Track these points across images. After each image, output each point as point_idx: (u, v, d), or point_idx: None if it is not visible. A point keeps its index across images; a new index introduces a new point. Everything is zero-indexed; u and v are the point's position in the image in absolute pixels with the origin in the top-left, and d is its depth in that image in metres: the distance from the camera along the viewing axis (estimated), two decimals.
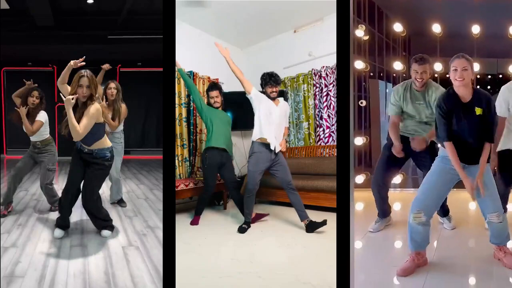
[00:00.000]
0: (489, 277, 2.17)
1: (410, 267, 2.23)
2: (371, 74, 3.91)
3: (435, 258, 2.45)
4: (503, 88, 2.62)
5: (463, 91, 2.11)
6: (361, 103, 4.04)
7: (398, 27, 3.62)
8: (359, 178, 4.13)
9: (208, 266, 2.70)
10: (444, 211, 2.95)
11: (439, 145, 2.24)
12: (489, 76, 3.58)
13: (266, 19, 5.53)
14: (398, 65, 3.92)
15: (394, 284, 2.23)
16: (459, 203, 2.97)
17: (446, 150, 2.13)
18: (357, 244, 2.82)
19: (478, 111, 2.08)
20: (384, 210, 3.09)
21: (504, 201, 2.44)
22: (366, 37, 3.89)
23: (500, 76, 2.98)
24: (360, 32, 3.69)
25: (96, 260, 2.61)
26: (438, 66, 3.41)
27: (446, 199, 2.63)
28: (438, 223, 3.04)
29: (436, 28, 3.43)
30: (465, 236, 2.90)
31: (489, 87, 2.34)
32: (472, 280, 2.20)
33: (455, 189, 2.29)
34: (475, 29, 3.40)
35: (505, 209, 2.40)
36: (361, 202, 3.82)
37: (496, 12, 3.39)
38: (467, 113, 2.10)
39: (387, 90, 4.26)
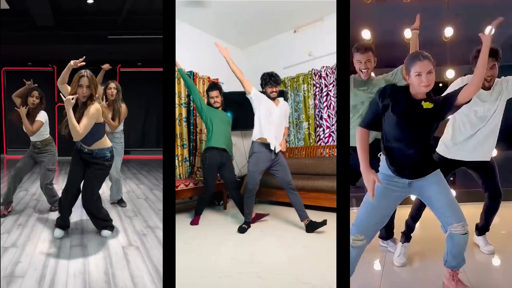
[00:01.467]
0: None
1: None
2: None
3: (382, 286, 2.20)
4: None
5: (423, 96, 1.82)
6: None
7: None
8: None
9: (208, 266, 2.70)
10: (387, 232, 2.65)
11: (380, 159, 1.94)
12: None
13: (266, 19, 5.53)
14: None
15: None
16: (402, 221, 2.61)
17: (385, 165, 1.85)
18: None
19: (426, 105, 1.82)
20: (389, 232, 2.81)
21: None
22: None
23: (440, 84, 2.81)
24: None
25: (96, 260, 2.61)
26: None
27: (393, 220, 2.48)
28: (379, 247, 2.72)
29: (366, 34, 3.29)
30: (412, 259, 2.53)
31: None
32: None
33: (399, 205, 2.02)
34: (407, 33, 3.11)
35: None
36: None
37: (426, 15, 3.02)
38: (419, 113, 1.81)
39: None
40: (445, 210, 1.81)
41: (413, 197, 2.49)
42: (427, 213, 2.25)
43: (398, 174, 1.82)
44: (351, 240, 1.90)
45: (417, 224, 2.59)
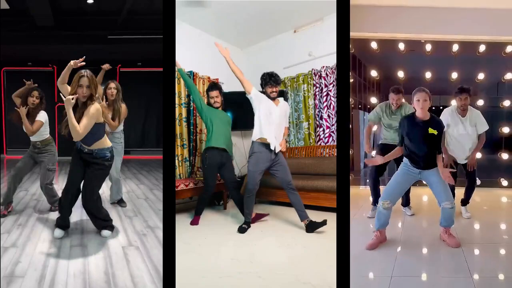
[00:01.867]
0: (438, 249, 2.87)
1: (375, 243, 2.88)
2: (353, 106, 5.43)
3: (402, 236, 3.20)
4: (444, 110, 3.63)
5: (423, 116, 2.78)
6: None
7: (373, 73, 5.33)
8: None
9: (208, 266, 2.70)
10: (406, 202, 3.84)
11: (404, 158, 2.94)
12: (433, 108, 4.70)
13: (266, 19, 5.53)
14: (373, 100, 5.49)
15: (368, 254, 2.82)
16: (416, 197, 4.13)
17: (407, 159, 2.88)
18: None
19: (431, 130, 2.73)
20: (376, 199, 3.72)
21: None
22: (352, 80, 5.29)
23: (441, 107, 4.18)
24: None
25: (96, 260, 2.61)
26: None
27: (409, 192, 3.70)
28: (401, 211, 3.85)
29: (400, 73, 5.16)
30: (421, 220, 3.72)
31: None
32: (425, 251, 2.89)
33: (415, 186, 3.23)
34: (427, 74, 5.20)
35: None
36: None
37: (440, 63, 5.26)
38: (423, 132, 2.74)
39: (364, 117, 5.92)
40: (440, 193, 2.83)
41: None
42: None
43: (413, 165, 2.85)
44: (381, 204, 2.85)
45: (425, 198, 4.46)
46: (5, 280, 2.26)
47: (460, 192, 3.67)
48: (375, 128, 4.28)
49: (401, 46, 5.01)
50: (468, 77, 5.24)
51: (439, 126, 2.80)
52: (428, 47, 5.01)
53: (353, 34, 4.63)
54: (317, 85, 5.54)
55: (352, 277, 2.31)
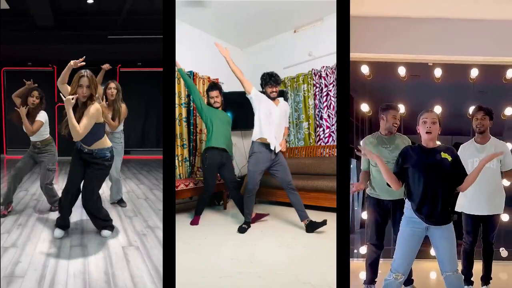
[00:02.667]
0: None
1: None
2: None
3: None
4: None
5: (430, 142, 2.17)
6: None
7: (364, 108, 3.70)
8: None
9: (208, 266, 2.70)
10: (409, 280, 2.79)
11: (405, 206, 2.26)
12: None
13: (266, 19, 5.53)
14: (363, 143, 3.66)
15: None
16: (420, 273, 3.01)
17: (409, 210, 2.19)
18: None
19: (444, 155, 2.13)
20: (373, 276, 2.79)
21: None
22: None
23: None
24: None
25: (96, 260, 2.61)
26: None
27: (411, 267, 2.53)
28: None
29: (400, 107, 3.46)
30: None
31: None
32: None
33: (417, 260, 2.34)
34: (437, 109, 3.60)
35: None
36: None
37: (454, 93, 3.80)
38: (432, 159, 2.14)
39: (351, 167, 4.23)
40: (444, 261, 2.18)
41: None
42: None
43: (418, 216, 2.15)
44: (393, 276, 2.21)
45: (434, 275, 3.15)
46: (5, 280, 2.26)
47: (479, 267, 2.82)
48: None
49: (402, 70, 3.66)
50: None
51: (452, 152, 2.18)
52: (438, 72, 3.66)
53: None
54: (317, 85, 5.54)
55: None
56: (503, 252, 3.42)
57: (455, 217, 2.46)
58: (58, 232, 3.06)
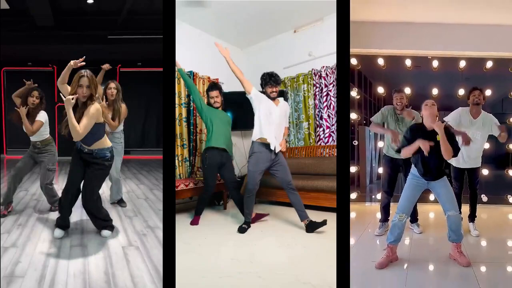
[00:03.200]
0: (447, 268, 2.76)
1: (385, 262, 2.75)
2: (359, 122, 5.41)
3: (411, 254, 3.04)
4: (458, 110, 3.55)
5: (431, 124, 2.71)
6: (354, 142, 5.36)
7: (380, 90, 5.15)
8: (353, 195, 5.03)
9: (208, 266, 2.70)
10: (414, 217, 3.60)
11: (412, 167, 2.88)
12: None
13: (266, 19, 5.53)
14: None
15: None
16: (424, 214, 3.89)
17: (414, 169, 2.82)
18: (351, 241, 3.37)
19: (438, 138, 2.66)
20: (386, 216, 3.60)
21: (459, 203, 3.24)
22: (358, 97, 5.27)
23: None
24: (354, 93, 5.08)
25: (96, 260, 2.61)
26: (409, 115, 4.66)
27: (417, 209, 3.55)
28: (408, 228, 3.58)
29: (407, 90, 4.87)
30: (429, 237, 3.55)
31: None
32: (434, 269, 2.79)
33: (419, 203, 3.24)
34: (434, 91, 5.13)
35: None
36: (354, 212, 4.57)
37: (447, 79, 5.19)
38: (429, 138, 2.65)
39: (370, 134, 5.85)
40: (446, 203, 2.79)
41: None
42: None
43: (422, 176, 2.79)
44: (397, 217, 2.79)
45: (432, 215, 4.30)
46: (5, 280, 2.26)
47: (466, 208, 3.57)
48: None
49: (408, 62, 4.97)
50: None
51: (447, 130, 2.74)
52: (435, 63, 4.94)
53: (359, 50, 4.76)
54: (317, 85, 5.54)
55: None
56: (484, 198, 4.62)
57: (447, 171, 3.07)
58: (58, 232, 3.06)
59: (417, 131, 2.76)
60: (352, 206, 4.57)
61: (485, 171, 4.53)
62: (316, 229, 3.49)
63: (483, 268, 2.72)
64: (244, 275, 2.51)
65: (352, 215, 4.43)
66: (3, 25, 6.90)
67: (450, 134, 2.74)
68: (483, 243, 3.39)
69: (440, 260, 2.86)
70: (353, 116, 5.09)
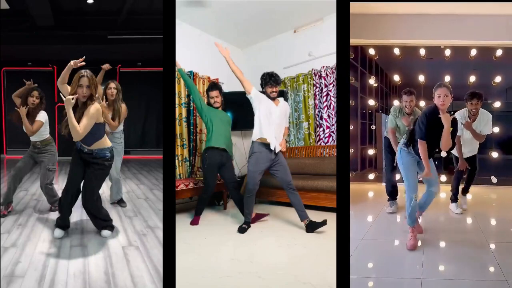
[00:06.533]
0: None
1: (415, 241, 2.88)
2: (376, 109, 5.83)
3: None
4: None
5: (443, 112, 2.75)
6: (372, 127, 5.73)
7: (396, 78, 5.67)
8: (371, 176, 5.58)
9: (208, 266, 2.70)
10: (394, 196, 4.02)
11: (400, 143, 3.06)
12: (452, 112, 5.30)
13: (266, 19, 5.53)
14: (395, 103, 5.51)
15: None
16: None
17: (419, 146, 2.82)
18: (369, 218, 3.80)
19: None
20: (393, 195, 4.00)
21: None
22: (376, 84, 5.58)
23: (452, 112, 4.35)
24: (372, 81, 5.45)
25: (96, 260, 2.61)
26: (422, 103, 5.21)
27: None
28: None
29: (421, 78, 5.47)
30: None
31: None
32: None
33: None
34: (447, 78, 5.40)
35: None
36: (372, 191, 5.06)
37: (459, 67, 5.52)
38: (440, 126, 2.73)
39: (386, 120, 5.91)
40: (432, 179, 2.94)
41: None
42: None
43: (414, 153, 2.90)
44: (414, 198, 2.89)
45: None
46: (5, 280, 2.26)
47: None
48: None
49: (422, 52, 5.26)
50: (484, 81, 5.58)
51: (455, 124, 2.83)
52: (447, 52, 5.22)
53: (376, 41, 5.10)
54: (317, 85, 5.54)
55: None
56: (494, 179, 4.80)
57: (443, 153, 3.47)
58: (58, 232, 3.06)
59: (433, 115, 2.76)
60: (369, 185, 5.38)
61: (494, 154, 5.02)
62: (316, 229, 3.49)
63: (492, 246, 2.91)
64: (244, 275, 2.51)
65: (370, 194, 4.98)
66: (3, 25, 6.90)
67: (454, 129, 2.82)
68: (493, 222, 3.70)
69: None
70: (371, 102, 5.47)
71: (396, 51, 5.29)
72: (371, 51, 5.23)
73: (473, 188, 4.25)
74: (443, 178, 4.98)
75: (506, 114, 5.83)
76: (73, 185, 3.05)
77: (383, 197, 4.16)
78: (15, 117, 3.58)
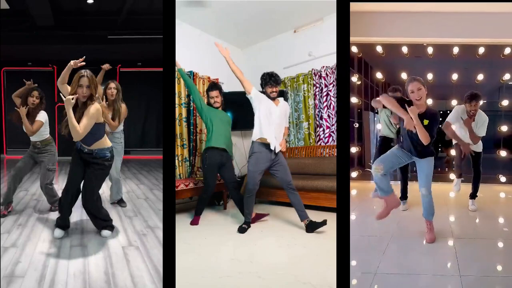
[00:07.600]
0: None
1: (385, 212, 2.91)
2: (363, 107, 5.77)
3: (397, 227, 3.35)
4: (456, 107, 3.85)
5: (419, 108, 2.74)
6: (355, 125, 5.66)
7: (379, 75, 5.58)
8: (354, 174, 5.52)
9: (208, 266, 2.70)
10: (404, 196, 3.99)
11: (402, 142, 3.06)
12: (441, 112, 5.46)
13: (266, 19, 5.53)
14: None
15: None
16: (413, 192, 3.96)
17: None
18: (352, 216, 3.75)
19: (425, 122, 2.72)
20: (404, 194, 4.00)
21: None
22: (359, 82, 5.53)
23: (449, 112, 4.14)
24: (355, 79, 5.38)
25: (96, 260, 2.61)
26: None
27: (407, 190, 3.99)
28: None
29: (404, 75, 5.35)
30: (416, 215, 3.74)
31: (441, 119, 3.55)
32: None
33: (411, 182, 3.85)
34: (429, 76, 5.52)
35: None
36: (355, 189, 5.03)
37: (444, 65, 5.50)
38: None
39: (375, 118, 6.06)
40: (421, 180, 2.92)
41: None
42: None
43: (408, 151, 2.92)
44: (373, 168, 2.85)
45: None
46: (5, 280, 2.26)
47: (468, 187, 3.98)
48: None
49: (405, 49, 5.25)
50: (467, 79, 5.55)
51: (433, 117, 2.77)
52: (430, 50, 5.20)
53: (359, 39, 4.99)
54: (317, 85, 5.54)
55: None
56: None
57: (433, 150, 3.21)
58: (58, 232, 3.06)
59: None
60: (352, 184, 5.08)
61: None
62: (316, 229, 3.49)
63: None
64: (244, 275, 2.51)
65: (353, 192, 4.95)
66: (3, 25, 6.89)
67: (431, 122, 2.80)
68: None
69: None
70: (354, 100, 5.40)
71: (379, 48, 5.26)
72: (354, 49, 5.22)
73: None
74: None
75: None
76: (73, 185, 3.05)
77: (367, 195, 4.34)
78: (15, 117, 3.58)
